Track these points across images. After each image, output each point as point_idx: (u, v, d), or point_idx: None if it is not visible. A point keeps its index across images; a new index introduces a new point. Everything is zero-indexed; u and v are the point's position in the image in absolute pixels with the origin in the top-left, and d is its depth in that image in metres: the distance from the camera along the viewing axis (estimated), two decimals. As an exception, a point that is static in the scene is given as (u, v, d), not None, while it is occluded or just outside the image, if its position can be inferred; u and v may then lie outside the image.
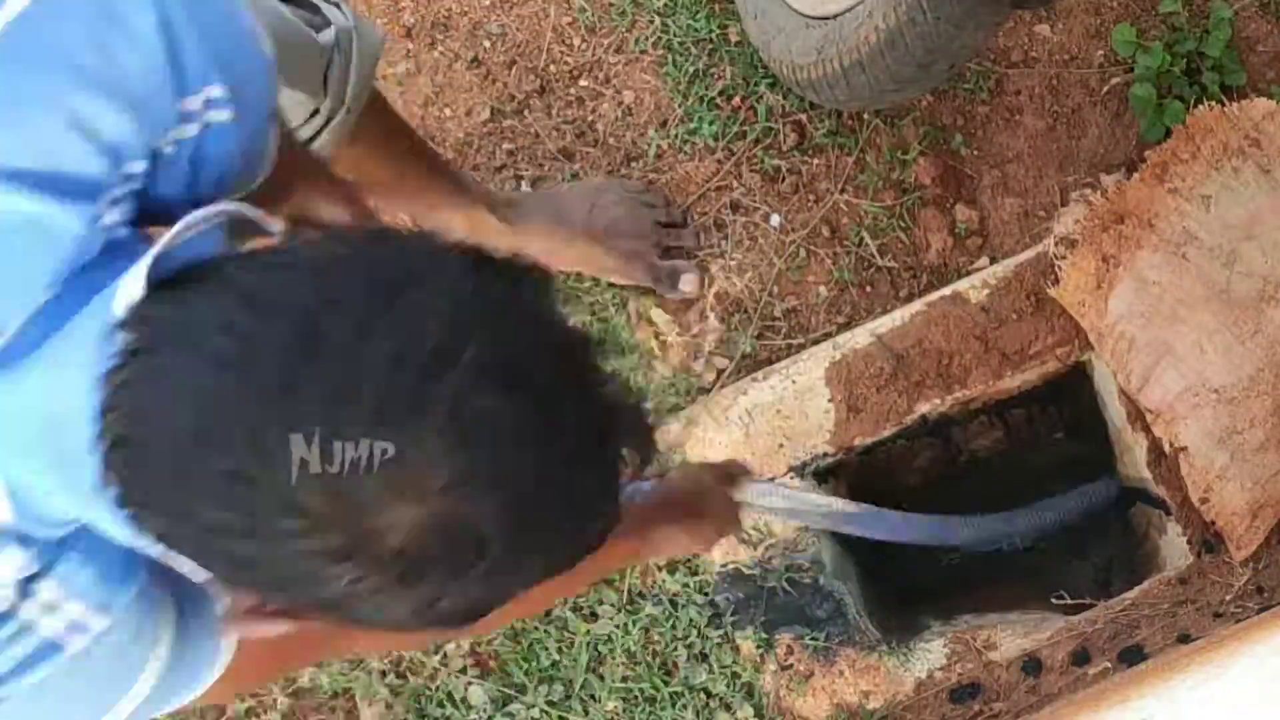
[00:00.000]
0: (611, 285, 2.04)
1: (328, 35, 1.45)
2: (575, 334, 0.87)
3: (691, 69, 2.09)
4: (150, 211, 0.93)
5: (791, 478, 1.96)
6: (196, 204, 0.93)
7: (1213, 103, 1.94)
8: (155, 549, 0.84)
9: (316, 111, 1.47)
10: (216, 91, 0.93)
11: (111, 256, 0.88)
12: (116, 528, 0.85)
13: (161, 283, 0.83)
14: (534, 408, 0.80)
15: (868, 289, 2.04)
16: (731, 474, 1.66)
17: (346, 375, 0.76)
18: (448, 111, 2.12)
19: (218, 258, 0.85)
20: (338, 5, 1.49)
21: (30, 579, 0.88)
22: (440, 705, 1.96)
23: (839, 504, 1.85)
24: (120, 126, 0.87)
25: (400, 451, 0.76)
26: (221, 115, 0.94)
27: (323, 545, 0.77)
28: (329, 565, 0.77)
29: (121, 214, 0.90)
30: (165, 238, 0.86)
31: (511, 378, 0.79)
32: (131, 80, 0.88)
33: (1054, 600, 1.93)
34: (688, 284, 2.00)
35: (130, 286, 0.83)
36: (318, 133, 1.48)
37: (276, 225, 0.92)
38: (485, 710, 1.95)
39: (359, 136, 1.56)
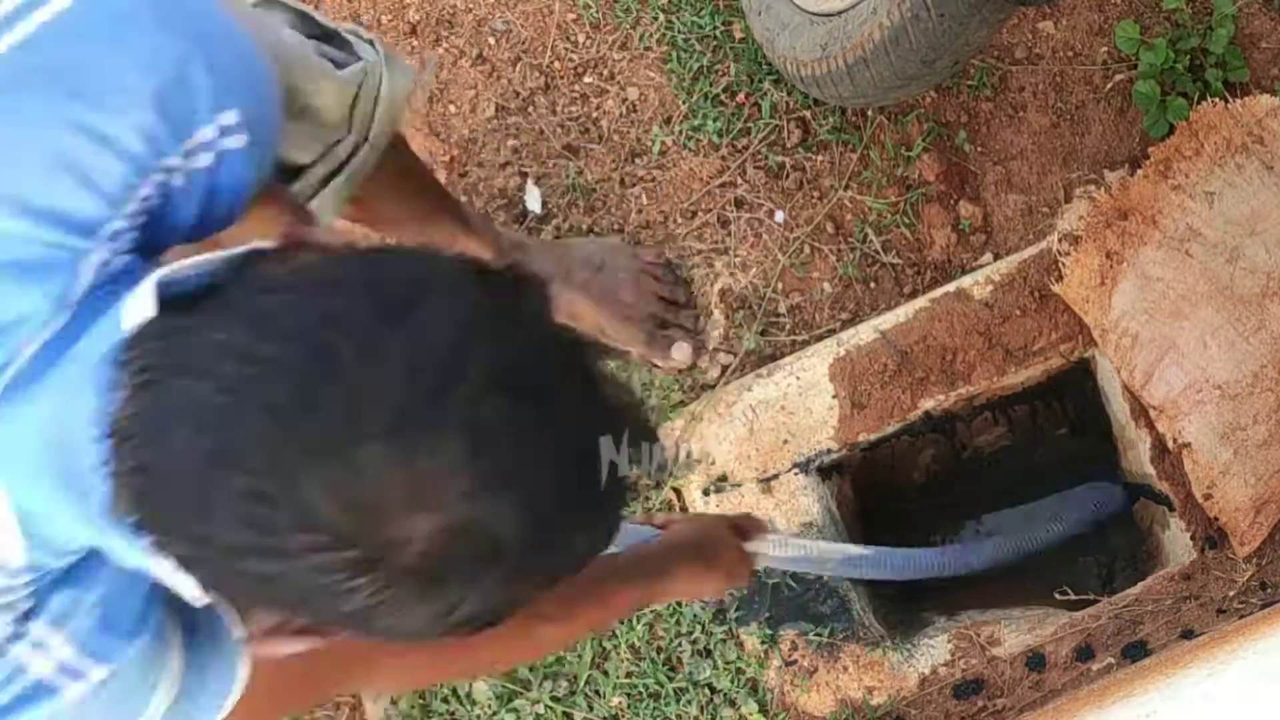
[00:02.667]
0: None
1: (354, 70, 1.45)
2: (574, 339, 0.88)
3: (696, 65, 2.10)
4: (162, 240, 0.93)
5: (796, 473, 1.96)
6: (209, 229, 0.94)
7: (1216, 99, 1.94)
8: (165, 571, 0.84)
9: (335, 145, 1.47)
10: (230, 118, 0.93)
11: (117, 284, 0.88)
12: (130, 552, 0.85)
13: (169, 304, 0.83)
14: (542, 410, 0.81)
15: (872, 285, 2.05)
16: (745, 527, 1.64)
17: (360, 392, 0.77)
18: (452, 108, 2.12)
19: (223, 280, 0.84)
20: (371, 43, 1.50)
21: (24, 616, 0.87)
22: (445, 701, 1.96)
23: (852, 549, 1.84)
24: (116, 167, 0.88)
25: (417, 462, 0.77)
26: (236, 142, 0.94)
27: (345, 559, 0.77)
28: (352, 578, 0.78)
29: (128, 243, 0.90)
30: (174, 264, 0.86)
31: (520, 383, 0.80)
32: (133, 114, 0.88)
33: (1057, 596, 1.93)
34: (679, 352, 2.00)
35: (137, 307, 0.83)
36: (339, 167, 1.49)
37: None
38: (490, 706, 1.96)
39: (375, 173, 1.56)
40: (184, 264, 0.86)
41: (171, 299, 0.83)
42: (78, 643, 0.89)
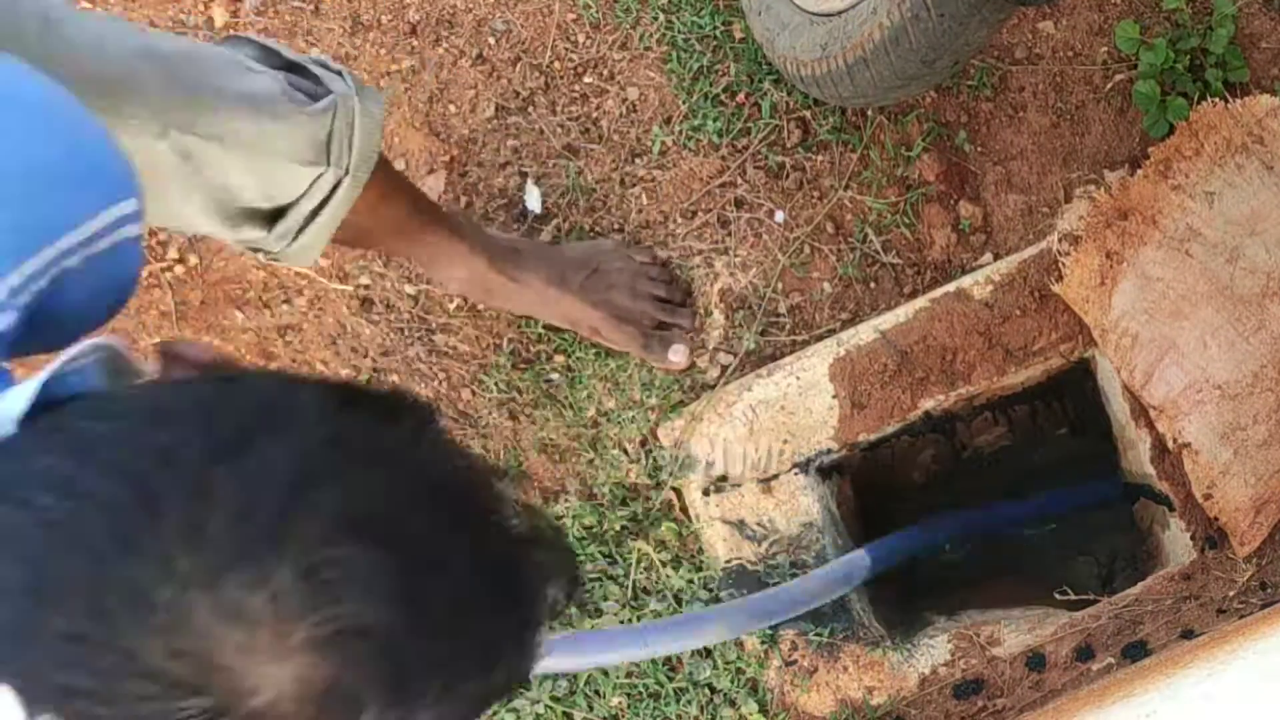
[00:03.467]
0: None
1: (325, 104, 1.46)
2: (463, 473, 0.82)
3: (696, 65, 2.10)
4: (50, 325, 0.91)
5: (796, 473, 1.96)
6: (99, 317, 0.93)
7: (1216, 99, 1.94)
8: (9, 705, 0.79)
9: (316, 180, 1.48)
10: (130, 206, 0.91)
11: None
12: None
13: (40, 409, 0.79)
14: (400, 559, 0.75)
15: (872, 285, 2.05)
16: None
17: (182, 535, 0.72)
18: (452, 108, 2.12)
19: (66, 401, 0.80)
20: (340, 74, 1.50)
21: None
22: (445, 701, 1.96)
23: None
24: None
25: (245, 611, 0.72)
26: (133, 230, 0.92)
27: (183, 709, 0.72)
28: None
29: (6, 324, 0.87)
30: (46, 371, 0.81)
31: (371, 527, 0.75)
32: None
33: (1057, 596, 1.93)
34: (676, 354, 2.00)
35: (7, 409, 0.79)
36: (324, 201, 1.50)
37: (150, 365, 0.87)
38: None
39: (371, 196, 1.57)
40: (67, 359, 0.82)
41: (45, 404, 0.79)
42: None
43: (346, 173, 1.50)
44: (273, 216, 1.49)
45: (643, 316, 1.99)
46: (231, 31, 2.15)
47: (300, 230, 1.51)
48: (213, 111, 1.37)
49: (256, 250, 1.54)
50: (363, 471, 0.77)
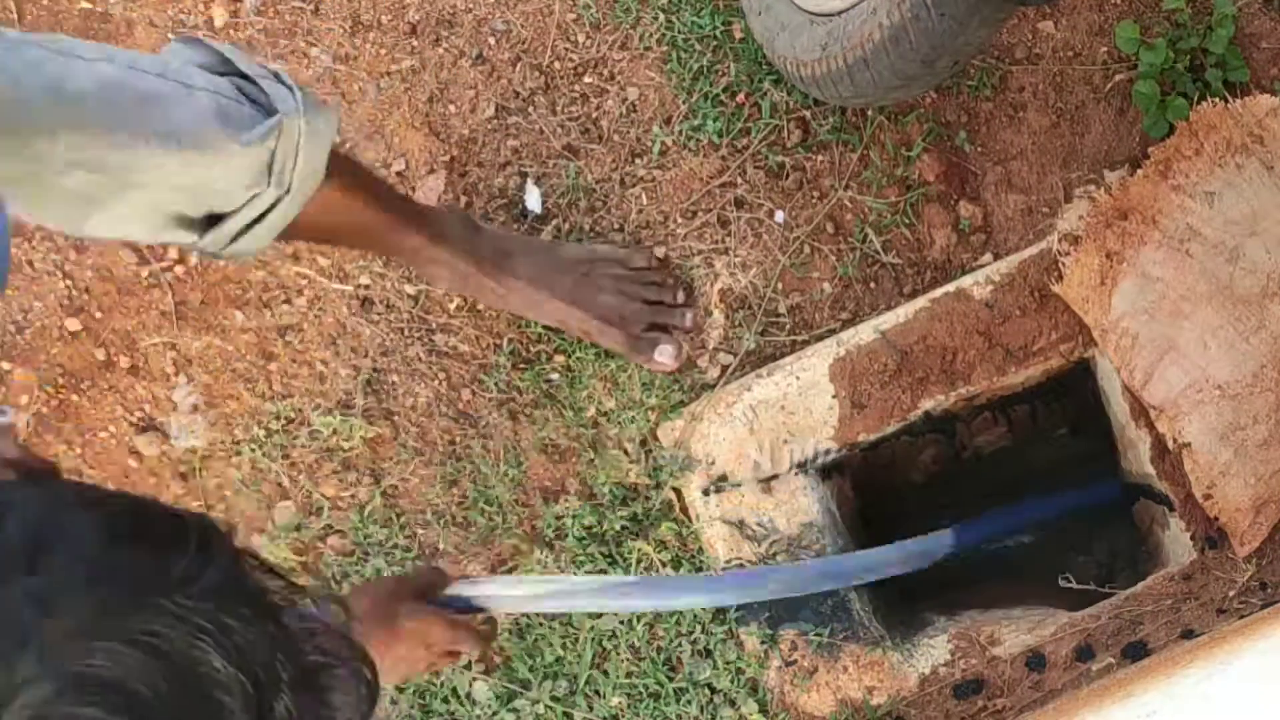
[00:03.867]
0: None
1: (264, 128, 1.44)
2: (244, 621, 0.76)
3: (696, 65, 2.10)
4: None
5: (796, 473, 1.96)
6: None
7: (1216, 99, 1.94)
8: None
9: (254, 198, 1.47)
10: None
11: None
12: None
13: None
14: None
15: (872, 285, 2.05)
16: (424, 583, 1.54)
17: None
18: (452, 108, 2.12)
19: None
20: (291, 89, 1.48)
21: None
22: (445, 701, 1.96)
23: (581, 581, 1.72)
24: None
25: None
26: None
27: None
28: None
29: None
30: None
31: (105, 693, 0.70)
32: None
33: (1061, 583, 1.93)
34: (662, 355, 1.99)
35: None
36: (262, 215, 1.49)
37: None
38: (490, 706, 1.96)
39: (327, 200, 1.57)
40: None
41: None
42: None
43: (287, 191, 1.48)
44: (206, 223, 1.48)
45: (633, 318, 1.99)
46: (231, 31, 2.16)
47: (235, 238, 1.50)
48: (127, 152, 1.35)
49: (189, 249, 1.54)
50: (114, 633, 0.72)
